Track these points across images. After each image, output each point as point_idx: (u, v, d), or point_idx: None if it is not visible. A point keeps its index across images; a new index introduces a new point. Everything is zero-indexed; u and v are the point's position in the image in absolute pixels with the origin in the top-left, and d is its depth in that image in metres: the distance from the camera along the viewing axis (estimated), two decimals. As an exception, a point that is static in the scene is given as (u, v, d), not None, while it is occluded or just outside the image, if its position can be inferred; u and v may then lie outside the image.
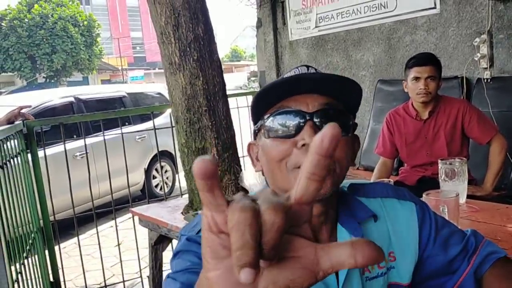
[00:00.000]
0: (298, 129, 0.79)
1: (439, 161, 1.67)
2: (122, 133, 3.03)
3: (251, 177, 1.90)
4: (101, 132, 2.99)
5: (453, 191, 1.34)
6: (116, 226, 3.47)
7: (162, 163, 6.75)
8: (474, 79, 3.09)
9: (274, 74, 4.68)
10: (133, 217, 3.36)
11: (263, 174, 0.89)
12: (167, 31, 1.84)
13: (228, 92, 2.02)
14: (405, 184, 2.52)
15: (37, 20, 26.11)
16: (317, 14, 4.18)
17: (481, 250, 0.90)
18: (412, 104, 2.51)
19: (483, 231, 1.07)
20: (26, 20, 25.81)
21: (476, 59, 3.02)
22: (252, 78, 35.70)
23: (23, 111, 2.59)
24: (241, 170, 2.01)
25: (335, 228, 0.86)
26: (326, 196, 0.79)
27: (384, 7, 3.62)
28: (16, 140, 2.40)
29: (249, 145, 0.93)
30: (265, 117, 0.83)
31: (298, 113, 0.80)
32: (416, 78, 2.38)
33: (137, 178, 6.22)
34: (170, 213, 2.07)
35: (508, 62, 2.95)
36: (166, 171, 6.90)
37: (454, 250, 0.90)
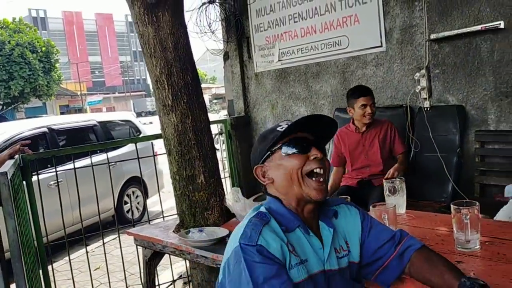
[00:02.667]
0: (308, 149, 1.32)
1: (384, 181, 2.11)
2: (108, 163, 3.32)
3: (232, 199, 2.26)
4: (73, 161, 3.21)
5: (393, 203, 1.77)
6: (87, 252, 3.68)
7: (133, 189, 6.98)
8: (416, 108, 3.58)
9: (242, 103, 5.07)
10: (104, 244, 3.65)
11: (264, 189, 1.41)
12: (161, 79, 2.21)
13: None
14: (348, 186, 3.33)
15: (-7, 46, 25.68)
16: (279, 49, 4.62)
17: (405, 241, 1.39)
18: (353, 123, 3.37)
19: (416, 233, 1.50)
20: (-18, 47, 25.34)
21: (417, 90, 3.51)
22: (214, 101, 36.10)
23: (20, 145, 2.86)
24: (224, 193, 2.38)
25: (318, 223, 1.36)
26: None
27: (339, 45, 4.10)
28: (16, 175, 2.67)
29: (256, 168, 1.38)
30: (280, 145, 1.33)
31: (307, 141, 1.33)
32: (364, 105, 3.20)
33: (109, 204, 6.39)
34: (162, 232, 2.39)
35: (443, 93, 3.45)
36: (137, 197, 7.11)
37: (384, 239, 1.40)
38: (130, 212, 6.89)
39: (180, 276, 3.89)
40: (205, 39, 4.77)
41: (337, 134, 3.42)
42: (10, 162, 2.44)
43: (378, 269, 1.39)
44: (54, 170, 3.19)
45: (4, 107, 27.60)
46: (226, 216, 2.38)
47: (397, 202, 1.98)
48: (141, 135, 7.00)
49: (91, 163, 3.27)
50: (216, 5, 4.87)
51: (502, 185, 3.10)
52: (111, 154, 6.12)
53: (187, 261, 4.23)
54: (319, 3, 4.18)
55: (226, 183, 4.58)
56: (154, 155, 3.96)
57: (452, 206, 1.55)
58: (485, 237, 1.62)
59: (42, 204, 3.04)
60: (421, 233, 1.67)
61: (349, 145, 3.37)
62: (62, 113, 35.58)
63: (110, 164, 6.28)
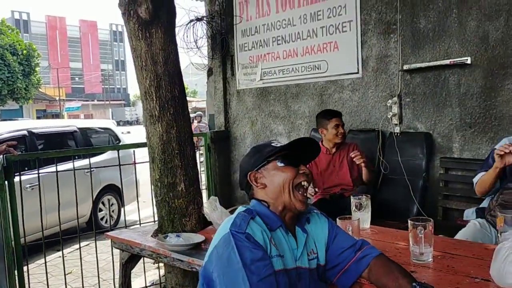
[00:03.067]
0: (299, 164, 1.55)
1: (352, 197, 2.28)
2: (90, 168, 3.41)
3: (208, 207, 2.40)
4: (52, 165, 3.28)
5: (356, 217, 1.96)
6: (62, 256, 3.74)
7: (109, 197, 7.00)
8: (387, 133, 3.79)
9: (223, 118, 5.23)
10: (80, 248, 3.72)
11: (251, 194, 1.60)
12: (150, 91, 2.35)
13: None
14: (320, 199, 3.46)
15: (-27, 46, 25.32)
16: (262, 69, 4.81)
17: (365, 249, 1.58)
18: (322, 143, 3.50)
19: (378, 246, 1.66)
20: (-38, 46, 24.95)
21: (389, 116, 3.72)
22: (194, 114, 36.02)
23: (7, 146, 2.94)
24: (202, 201, 2.51)
25: (295, 227, 1.56)
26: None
27: (318, 69, 4.31)
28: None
29: (250, 174, 1.56)
30: (276, 157, 1.54)
31: (298, 158, 1.56)
32: (337, 125, 3.41)
33: (84, 210, 6.39)
34: (141, 236, 2.51)
35: (413, 120, 3.67)
36: (112, 204, 7.13)
37: (346, 245, 1.59)
38: (104, 220, 6.91)
39: (152, 283, 3.96)
40: (191, 54, 4.93)
41: None
42: (-3, 162, 2.52)
43: (339, 272, 1.57)
44: (36, 172, 3.25)
45: (-21, 108, 27.10)
46: (203, 224, 2.51)
47: (362, 217, 2.16)
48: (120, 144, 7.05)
49: (73, 167, 3.35)
50: (204, 23, 5.05)
51: (462, 209, 3.30)
52: (91, 160, 6.18)
53: (160, 269, 4.33)
54: (302, 28, 4.40)
55: (203, 195, 4.71)
56: (135, 163, 4.03)
57: (409, 221, 1.73)
58: (438, 252, 1.80)
59: (22, 205, 3.11)
60: (382, 246, 1.83)
61: (321, 166, 3.49)
62: (38, 118, 35.03)
63: (88, 170, 6.40)
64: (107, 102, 51.85)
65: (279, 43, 4.62)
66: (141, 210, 3.74)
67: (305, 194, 1.54)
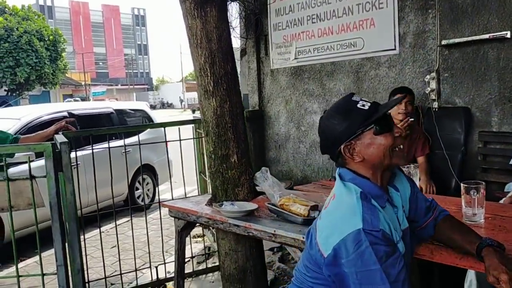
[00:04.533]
0: (392, 126, 1.47)
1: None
2: (124, 145, 3.57)
3: (263, 177, 2.53)
4: (89, 146, 3.41)
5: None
6: (116, 227, 3.94)
7: (144, 176, 7.23)
8: (426, 108, 3.84)
9: (257, 97, 5.34)
10: (131, 218, 3.90)
11: (343, 166, 1.52)
12: (205, 67, 2.48)
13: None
14: None
15: (2, 33, 25.84)
16: (296, 48, 4.88)
17: (438, 208, 1.67)
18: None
19: None
20: (-10, 32, 25.54)
21: (427, 92, 3.77)
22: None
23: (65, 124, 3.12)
24: (253, 172, 2.65)
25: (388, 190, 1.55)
26: None
27: (354, 46, 4.36)
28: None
29: (343, 146, 1.46)
30: (371, 125, 1.44)
31: (388, 118, 1.48)
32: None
33: (122, 189, 6.64)
34: (195, 205, 2.67)
35: (451, 95, 3.71)
36: (147, 184, 7.37)
37: (425, 204, 1.67)
38: (140, 198, 7.15)
39: (197, 254, 4.17)
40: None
41: None
42: (62, 137, 2.70)
43: (417, 228, 1.65)
44: (88, 148, 3.42)
45: (9, 93, 27.80)
46: (254, 193, 2.65)
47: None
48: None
49: (125, 144, 3.50)
50: (238, 3, 5.13)
51: (501, 182, 3.37)
52: (127, 141, 6.40)
53: (203, 242, 4.52)
54: (337, 6, 4.45)
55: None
56: (166, 142, 4.10)
57: (462, 184, 1.83)
58: (488, 214, 1.90)
59: (79, 179, 3.28)
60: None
61: None
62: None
63: (125, 150, 6.62)
64: (131, 87, 52.47)
65: (313, 21, 4.68)
66: (174, 190, 3.87)
67: (403, 149, 1.49)
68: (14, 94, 28.01)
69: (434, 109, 3.73)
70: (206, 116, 2.56)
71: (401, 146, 1.48)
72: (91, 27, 56.22)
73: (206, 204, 2.63)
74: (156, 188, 7.30)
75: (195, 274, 3.80)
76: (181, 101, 55.46)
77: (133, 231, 3.84)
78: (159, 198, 4.42)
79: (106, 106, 7.21)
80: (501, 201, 2.57)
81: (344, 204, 1.41)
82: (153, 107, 50.44)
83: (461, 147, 3.56)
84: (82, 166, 4.96)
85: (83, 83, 39.35)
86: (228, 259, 2.71)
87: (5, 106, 15.77)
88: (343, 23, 4.42)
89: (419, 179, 3.32)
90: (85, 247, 3.49)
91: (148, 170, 7.21)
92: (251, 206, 2.46)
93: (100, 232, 3.91)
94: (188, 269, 3.96)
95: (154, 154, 7.21)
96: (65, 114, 6.02)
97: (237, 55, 5.67)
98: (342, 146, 1.46)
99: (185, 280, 3.81)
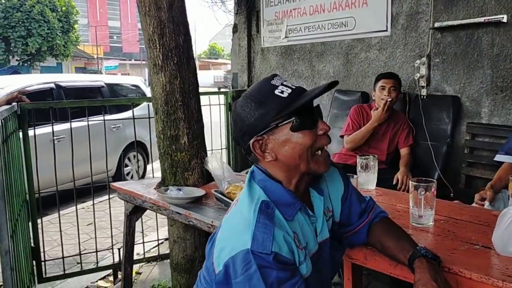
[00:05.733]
0: (316, 121, 1.20)
1: (358, 156, 2.15)
2: (104, 120, 3.39)
3: (214, 161, 2.32)
4: (79, 119, 3.29)
5: (362, 178, 1.84)
6: (94, 205, 3.80)
7: (135, 152, 7.07)
8: (413, 95, 3.58)
9: (246, 77, 5.10)
10: (109, 198, 3.74)
11: (256, 163, 1.27)
12: (153, 38, 2.26)
13: (204, 89, 2.47)
14: (347, 165, 3.20)
15: (14, 1, 25.68)
16: (287, 26, 4.63)
17: (375, 209, 1.45)
18: (375, 106, 3.25)
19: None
20: (3, 1, 25.36)
21: (416, 78, 3.52)
22: (229, 76, 35.95)
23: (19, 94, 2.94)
24: (206, 155, 2.44)
25: (309, 193, 1.31)
26: None
27: (345, 26, 4.10)
28: (11, 120, 2.75)
29: (253, 143, 1.20)
30: (287, 118, 1.16)
31: (312, 111, 1.20)
32: (383, 87, 3.18)
33: (110, 165, 6.48)
34: (144, 188, 2.48)
35: (441, 82, 3.45)
36: (138, 160, 7.21)
37: (360, 205, 1.44)
38: (130, 175, 7.01)
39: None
40: (215, 9, 4.78)
41: (359, 108, 3.36)
42: (5, 107, 2.52)
43: (350, 232, 1.43)
44: (57, 124, 3.25)
45: (20, 63, 27.79)
46: (207, 178, 2.45)
47: (368, 178, 2.04)
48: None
49: (104, 119, 3.31)
50: (229, -25, 4.87)
51: (487, 178, 3.12)
52: (116, 116, 6.22)
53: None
54: (330, -18, 4.17)
55: (222, 154, 4.66)
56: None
57: (410, 182, 1.60)
58: (441, 216, 1.68)
59: (37, 156, 3.11)
60: (383, 208, 1.71)
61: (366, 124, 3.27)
62: (77, 75, 35.62)
63: (114, 126, 6.45)
64: (144, 62, 52.25)
65: (306, -2, 4.41)
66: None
67: (327, 152, 1.23)
68: (26, 65, 28.00)
69: (422, 97, 3.48)
70: (155, 92, 2.35)
71: (323, 150, 1.22)
72: (107, 0, 55.82)
73: (154, 188, 2.44)
74: (147, 165, 7.17)
75: (161, 258, 3.64)
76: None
77: (110, 209, 3.70)
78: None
79: (97, 79, 7.01)
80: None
81: (240, 215, 1.18)
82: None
83: (447, 138, 3.32)
84: (68, 140, 4.82)
85: (95, 56, 39.18)
86: (177, 247, 2.53)
87: (12, 73, 15.73)
88: (335, 0, 4.16)
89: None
90: (42, 228, 3.37)
91: (138, 147, 7.03)
92: (198, 192, 2.27)
93: (77, 209, 3.77)
94: (154, 252, 3.83)
95: (146, 130, 7.03)
96: (52, 85, 5.85)
97: (229, 30, 5.44)
98: (251, 141, 1.20)
99: (150, 263, 3.68)
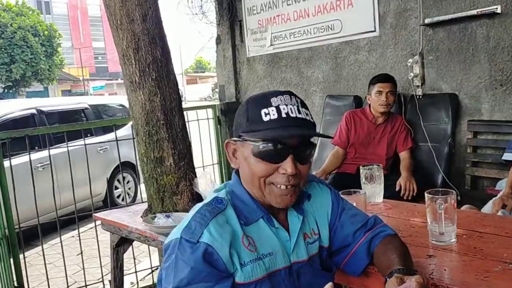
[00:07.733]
0: (282, 158, 1.08)
1: (361, 167, 1.96)
2: (85, 144, 3.20)
3: (204, 184, 2.14)
4: (63, 144, 3.12)
5: (368, 191, 1.65)
6: (79, 234, 3.59)
7: (124, 174, 6.86)
8: (409, 96, 3.43)
9: (233, 88, 4.93)
10: (95, 225, 3.52)
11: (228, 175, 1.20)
12: (128, 53, 2.08)
13: (191, 104, 2.28)
14: (346, 173, 3.10)
15: (-5, 29, 25.50)
16: (271, 33, 4.47)
17: (377, 228, 1.25)
18: (370, 110, 3.12)
19: (391, 223, 1.37)
20: (-16, 29, 25.17)
21: (410, 78, 3.36)
22: (217, 90, 35.75)
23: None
24: (195, 177, 2.25)
25: (286, 213, 1.20)
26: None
27: (331, 29, 3.95)
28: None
29: (227, 143, 1.18)
30: (254, 138, 1.08)
31: (284, 146, 1.07)
32: (379, 92, 3.02)
33: (99, 189, 6.30)
34: (130, 217, 2.28)
35: (437, 81, 3.31)
36: (128, 182, 7.00)
37: (356, 224, 1.25)
38: (120, 198, 6.80)
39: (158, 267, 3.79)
40: (196, 21, 4.63)
41: (351, 115, 3.21)
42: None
43: (346, 256, 1.26)
44: (39, 150, 3.05)
45: (5, 90, 27.48)
46: (197, 201, 2.25)
47: (374, 190, 1.85)
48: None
49: (85, 143, 3.14)
50: (208, -15, 4.73)
51: (494, 177, 2.98)
52: (102, 138, 6.01)
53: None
54: (313, -15, 4.03)
55: (214, 170, 4.48)
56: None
57: (426, 194, 1.41)
58: (463, 230, 1.48)
59: (14, 189, 2.91)
60: (395, 224, 1.54)
61: (360, 133, 3.16)
62: (64, 98, 35.36)
63: (101, 148, 6.25)
64: (131, 81, 51.85)
65: (289, 3, 4.27)
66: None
67: (288, 187, 1.10)
68: (10, 91, 27.69)
69: (418, 97, 3.33)
70: (134, 112, 2.16)
71: (280, 187, 1.10)
72: (89, 22, 55.60)
73: (141, 216, 2.24)
74: (138, 187, 6.96)
75: (155, 286, 3.42)
76: (182, 94, 54.93)
77: (98, 239, 3.49)
78: (127, 200, 4.04)
79: (80, 101, 6.81)
80: (491, 201, 2.17)
81: (193, 209, 1.16)
82: (154, 100, 49.78)
83: (448, 138, 3.16)
84: (53, 166, 4.63)
85: (81, 78, 38.91)
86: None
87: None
88: (319, 4, 4.02)
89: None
90: (25, 263, 3.16)
91: (128, 167, 6.82)
92: (189, 218, 2.06)
93: (61, 240, 3.53)
94: (149, 281, 3.61)
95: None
96: (33, 111, 5.65)
97: (212, 43, 5.28)
98: (227, 140, 1.19)
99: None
